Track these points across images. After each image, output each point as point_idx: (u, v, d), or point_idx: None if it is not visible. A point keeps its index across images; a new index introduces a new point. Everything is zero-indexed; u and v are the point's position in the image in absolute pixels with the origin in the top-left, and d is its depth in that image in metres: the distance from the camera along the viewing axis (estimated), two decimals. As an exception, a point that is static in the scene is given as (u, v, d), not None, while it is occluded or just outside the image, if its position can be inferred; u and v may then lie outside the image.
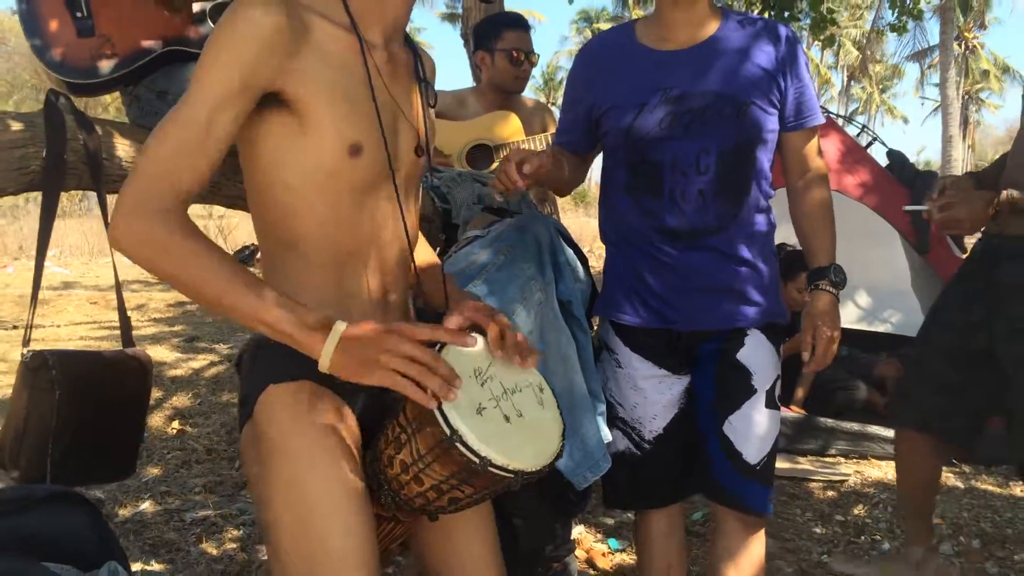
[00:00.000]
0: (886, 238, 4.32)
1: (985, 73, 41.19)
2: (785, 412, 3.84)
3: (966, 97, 45.89)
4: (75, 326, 6.55)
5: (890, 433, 3.68)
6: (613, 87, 1.79)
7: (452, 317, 1.26)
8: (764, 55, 1.75)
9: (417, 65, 1.43)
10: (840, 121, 4.67)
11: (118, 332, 1.96)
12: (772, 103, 1.75)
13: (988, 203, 2.01)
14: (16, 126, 1.79)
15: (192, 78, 1.17)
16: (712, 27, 1.77)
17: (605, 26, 43.66)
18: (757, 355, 1.80)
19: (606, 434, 1.80)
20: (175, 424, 4.04)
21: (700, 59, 1.75)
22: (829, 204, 1.87)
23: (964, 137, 47.45)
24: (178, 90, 1.94)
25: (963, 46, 38.61)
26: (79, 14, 1.86)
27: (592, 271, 2.10)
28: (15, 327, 6.40)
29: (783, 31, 1.79)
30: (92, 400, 1.74)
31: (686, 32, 1.77)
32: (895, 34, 7.61)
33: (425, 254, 1.59)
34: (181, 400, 4.54)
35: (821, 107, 4.74)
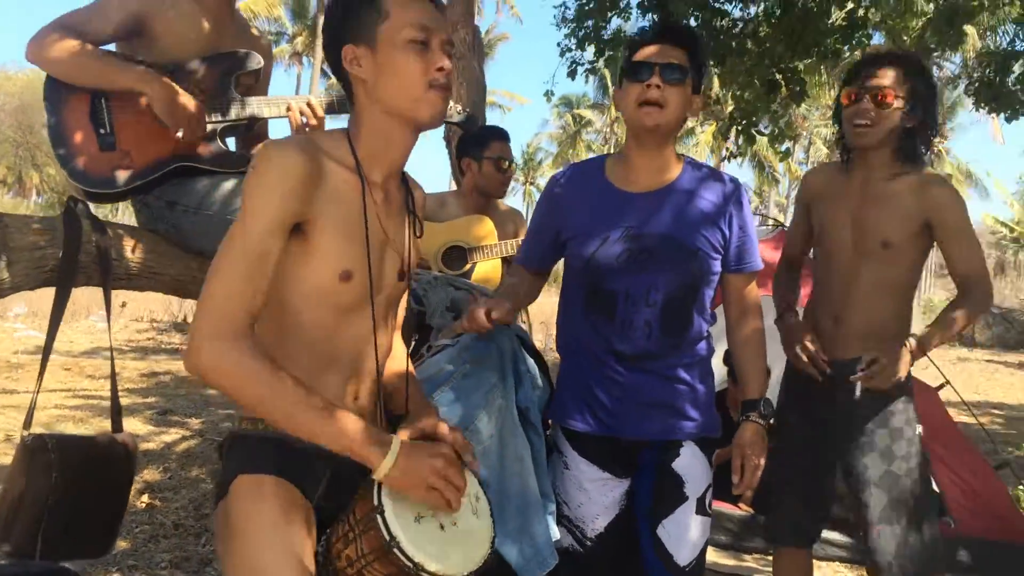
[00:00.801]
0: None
1: (949, 176, 42.69)
2: (732, 510, 4.01)
3: (931, 199, 47.39)
4: (49, 393, 6.60)
5: (836, 535, 3.87)
6: (580, 218, 2.02)
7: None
8: (716, 207, 1.98)
9: (408, 200, 1.66)
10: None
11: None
12: (717, 249, 1.98)
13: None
14: (36, 228, 1.99)
15: (243, 210, 1.37)
16: (673, 173, 2.01)
17: (586, 112, 44.92)
18: (691, 465, 2.00)
19: (555, 532, 1.98)
20: (145, 498, 4.14)
21: (659, 203, 1.97)
22: (762, 337, 2.10)
23: (929, 236, 48.79)
24: (186, 200, 2.16)
25: (928, 151, 40.05)
26: (103, 131, 2.09)
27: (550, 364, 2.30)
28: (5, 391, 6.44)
29: (735, 186, 2.02)
30: (84, 482, 1.89)
31: (649, 176, 1.99)
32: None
33: (398, 363, 1.78)
34: (151, 474, 4.63)
35: (776, 220, 5.05)
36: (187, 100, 2.08)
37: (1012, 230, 33.69)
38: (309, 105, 2.25)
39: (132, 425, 5.62)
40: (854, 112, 2.32)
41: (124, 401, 6.61)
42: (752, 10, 6.18)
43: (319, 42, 32.10)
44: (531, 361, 2.20)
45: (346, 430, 1.31)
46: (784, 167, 39.37)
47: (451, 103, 2.35)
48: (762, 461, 1.98)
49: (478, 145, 3.31)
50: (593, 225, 1.98)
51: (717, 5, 6.02)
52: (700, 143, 36.64)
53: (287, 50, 35.11)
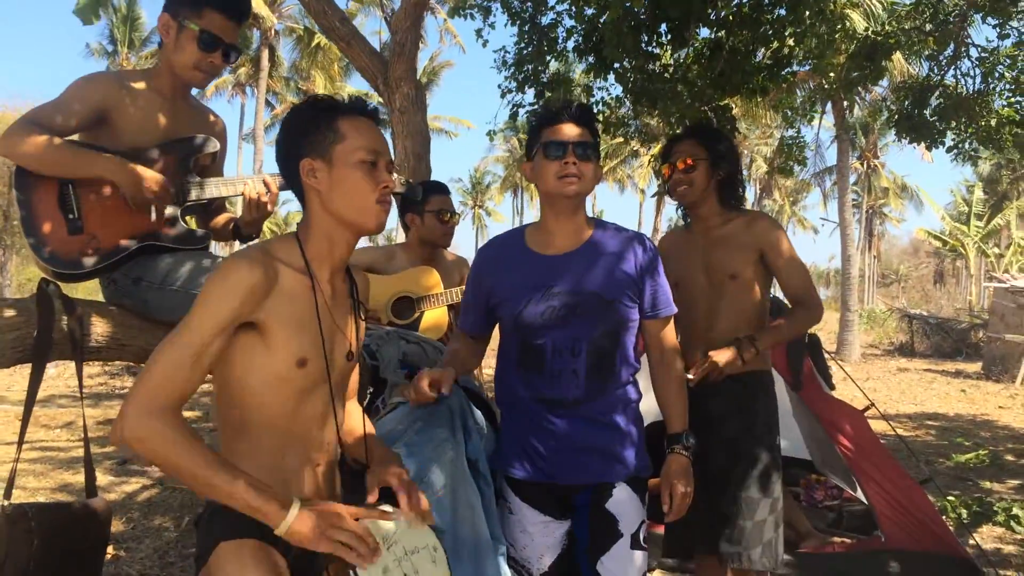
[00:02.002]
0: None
1: (885, 190, 43.98)
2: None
3: (870, 211, 48.77)
4: (6, 446, 6.59)
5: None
6: (505, 283, 2.24)
7: (371, 493, 1.70)
8: (627, 260, 2.21)
9: (352, 288, 1.85)
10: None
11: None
12: (632, 299, 2.20)
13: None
14: (10, 312, 2.13)
15: (193, 309, 1.56)
16: (585, 235, 2.24)
17: (531, 138, 45.30)
18: (623, 504, 2.20)
19: (506, 572, 2.17)
20: (109, 549, 4.21)
21: (576, 262, 2.20)
22: (681, 375, 2.32)
23: (870, 247, 50.17)
24: (150, 277, 2.31)
25: (865, 164, 41.33)
26: (71, 215, 2.24)
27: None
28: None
29: (642, 239, 2.26)
30: (62, 548, 2.03)
31: (564, 239, 2.23)
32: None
33: (354, 422, 1.97)
34: (114, 524, 4.69)
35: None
36: (152, 178, 2.23)
37: (944, 243, 34.86)
38: (264, 182, 2.41)
39: (90, 475, 5.63)
40: (672, 182, 2.89)
41: (82, 451, 6.58)
42: (682, 53, 6.47)
43: (263, 74, 32.29)
44: (479, 414, 2.40)
45: (252, 495, 1.48)
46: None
47: (396, 176, 2.56)
48: (689, 489, 2.20)
49: (419, 200, 3.50)
50: (518, 288, 2.21)
51: (649, 49, 6.31)
52: (644, 165, 37.37)
53: (230, 80, 35.03)
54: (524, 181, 39.36)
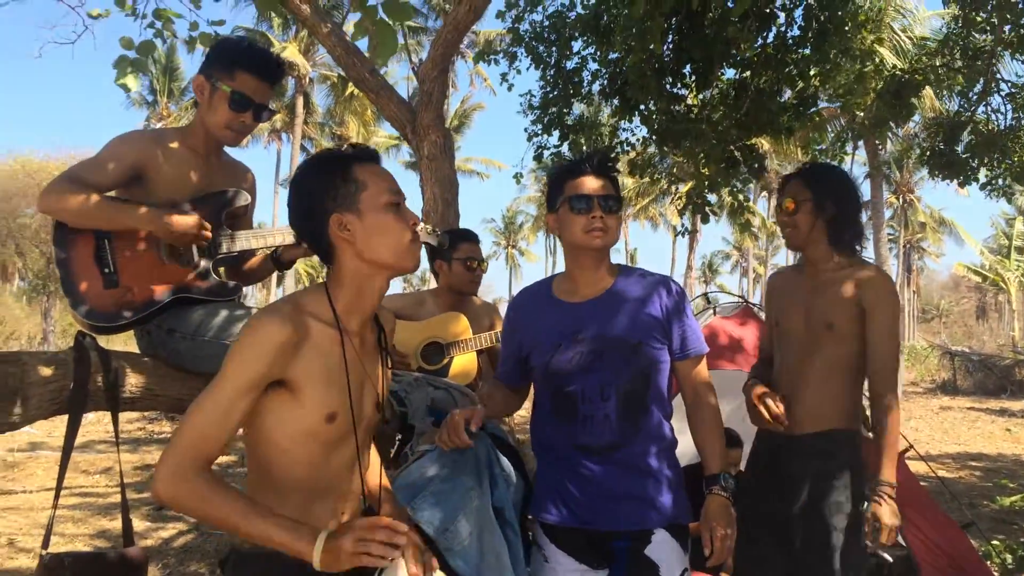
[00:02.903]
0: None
1: (923, 225, 43.49)
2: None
3: (907, 246, 48.18)
4: (47, 492, 6.69)
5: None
6: (535, 332, 2.29)
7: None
8: (652, 303, 2.24)
9: (380, 336, 1.89)
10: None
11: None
12: (660, 340, 2.22)
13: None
14: (48, 369, 2.19)
15: (224, 366, 1.59)
16: (610, 281, 2.27)
17: (563, 178, 45.60)
18: (663, 551, 2.15)
19: (532, 620, 2.17)
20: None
21: (601, 309, 2.23)
22: (716, 413, 2.29)
23: (908, 283, 49.44)
24: (183, 328, 2.37)
25: (901, 199, 40.95)
26: (107, 270, 2.31)
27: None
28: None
29: (667, 282, 2.29)
30: (99, 597, 2.07)
31: (589, 287, 2.27)
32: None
33: (374, 473, 1.98)
34: (151, 571, 4.72)
35: (741, 296, 5.27)
36: (186, 220, 2.30)
37: (984, 277, 34.23)
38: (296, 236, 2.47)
39: (127, 521, 5.70)
40: (779, 224, 2.81)
41: (119, 498, 6.68)
42: (707, 94, 6.52)
43: (298, 120, 32.96)
44: (506, 462, 2.41)
45: (282, 533, 1.52)
46: (759, 222, 40.05)
47: (422, 225, 2.63)
48: (730, 531, 2.14)
49: (448, 248, 3.56)
50: (546, 336, 2.25)
51: (674, 91, 6.37)
52: (674, 202, 37.29)
53: (266, 127, 35.84)
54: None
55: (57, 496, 2.20)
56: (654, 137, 6.75)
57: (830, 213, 2.68)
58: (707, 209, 7.06)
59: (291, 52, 29.44)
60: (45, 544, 2.11)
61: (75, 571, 2.04)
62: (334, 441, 1.71)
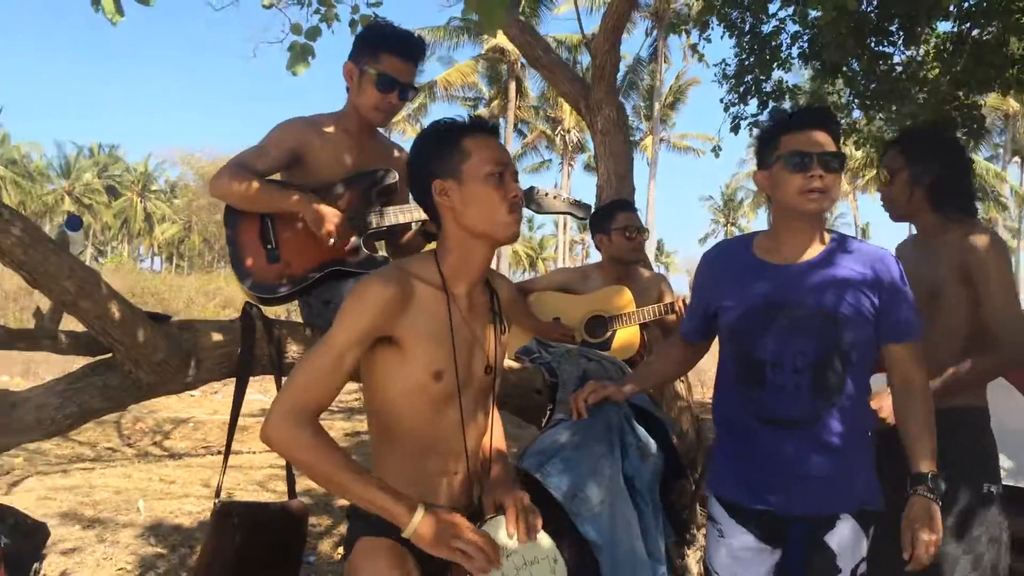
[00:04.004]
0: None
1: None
2: None
3: None
4: (267, 453, 7.36)
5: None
6: (727, 289, 2.13)
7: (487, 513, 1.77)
8: (862, 277, 2.01)
9: (494, 301, 1.93)
10: None
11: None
12: (867, 318, 1.99)
13: None
14: (218, 335, 2.41)
15: (334, 323, 1.71)
16: (818, 248, 2.06)
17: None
18: (844, 538, 1.99)
19: (663, 591, 2.13)
20: (340, 550, 4.59)
21: (805, 275, 2.03)
22: (928, 407, 2.03)
23: None
24: (338, 299, 2.53)
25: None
26: (269, 246, 2.51)
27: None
28: (219, 452, 7.27)
29: (885, 255, 2.06)
30: (263, 544, 2.26)
31: (796, 250, 2.07)
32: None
33: (497, 441, 2.02)
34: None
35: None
36: (332, 215, 2.45)
37: None
38: None
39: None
40: (881, 197, 2.68)
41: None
42: (915, 51, 5.99)
43: (511, 104, 33.73)
44: (642, 432, 2.38)
45: (383, 497, 1.59)
46: (1010, 190, 36.33)
47: (560, 192, 2.65)
48: (935, 537, 1.89)
49: (606, 219, 3.58)
50: (739, 296, 2.09)
51: (879, 49, 5.91)
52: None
53: (485, 114, 37.03)
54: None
55: (227, 452, 2.42)
56: (856, 100, 6.30)
57: (928, 180, 2.52)
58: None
59: (501, 39, 30.15)
60: (217, 494, 2.33)
61: (242, 519, 2.24)
62: (442, 399, 1.78)
